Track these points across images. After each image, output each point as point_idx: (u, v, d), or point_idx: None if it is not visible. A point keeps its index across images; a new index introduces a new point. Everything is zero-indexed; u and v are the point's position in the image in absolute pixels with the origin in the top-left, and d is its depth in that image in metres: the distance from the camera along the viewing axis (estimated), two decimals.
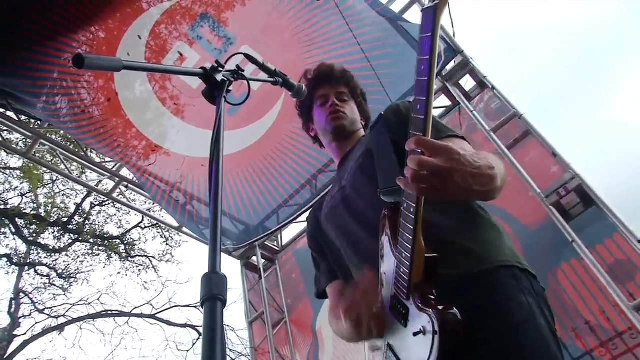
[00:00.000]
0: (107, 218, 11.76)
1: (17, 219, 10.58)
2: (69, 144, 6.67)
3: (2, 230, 10.67)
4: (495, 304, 1.04)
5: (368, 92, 1.76)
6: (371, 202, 1.26)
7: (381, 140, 1.29)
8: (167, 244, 11.98)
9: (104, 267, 11.94)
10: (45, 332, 11.13)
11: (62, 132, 7.08)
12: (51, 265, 11.45)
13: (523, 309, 1.04)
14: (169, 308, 12.01)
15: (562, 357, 1.02)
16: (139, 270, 11.97)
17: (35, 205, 11.07)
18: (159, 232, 11.84)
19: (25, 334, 10.89)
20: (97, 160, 6.08)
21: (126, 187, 5.83)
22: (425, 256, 0.96)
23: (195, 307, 11.74)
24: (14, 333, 10.69)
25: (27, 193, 10.98)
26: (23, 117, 4.74)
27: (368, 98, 1.74)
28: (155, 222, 10.81)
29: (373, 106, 1.75)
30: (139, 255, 12.04)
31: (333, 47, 4.00)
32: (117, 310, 11.84)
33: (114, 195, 5.61)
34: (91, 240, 11.64)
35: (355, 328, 1.13)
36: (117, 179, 5.36)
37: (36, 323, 11.13)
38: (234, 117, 4.33)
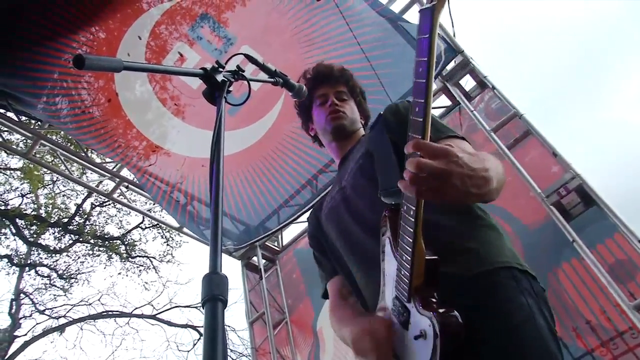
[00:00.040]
0: (108, 219, 11.78)
1: (17, 220, 10.59)
2: (69, 144, 6.69)
3: (3, 231, 10.68)
4: (495, 305, 1.05)
5: (368, 92, 1.76)
6: (371, 203, 1.26)
7: (381, 141, 1.29)
8: (167, 245, 12.00)
9: (105, 268, 11.98)
10: (45, 332, 11.14)
11: (62, 132, 7.09)
12: (52, 266, 11.47)
13: (522, 309, 1.04)
14: (169, 308, 12.03)
15: (562, 357, 1.03)
16: (140, 270, 12.00)
17: (35, 206, 11.08)
18: (159, 233, 11.86)
19: (26, 334, 10.91)
20: (98, 160, 6.09)
21: (127, 187, 5.83)
22: (426, 259, 0.95)
23: (195, 307, 11.75)
24: (15, 334, 10.70)
25: (27, 194, 11.00)
26: (23, 118, 4.74)
27: (368, 98, 1.74)
28: (156, 223, 10.82)
29: (373, 106, 1.75)
30: (140, 256, 12.06)
31: (333, 47, 3.99)
32: (117, 311, 11.85)
33: (115, 195, 5.62)
34: (92, 241, 11.64)
35: None
36: (118, 179, 5.36)
37: (37, 324, 11.15)
38: (234, 118, 4.33)
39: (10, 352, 10.28)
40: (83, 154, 5.43)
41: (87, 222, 11.60)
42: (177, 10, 4.06)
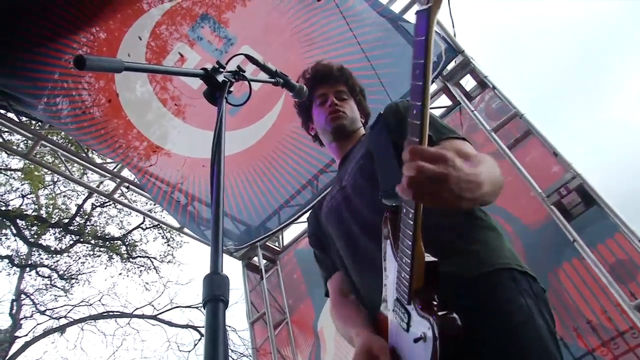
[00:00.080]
0: (108, 219, 11.78)
1: (18, 220, 10.59)
2: (70, 145, 6.69)
3: (4, 231, 10.68)
4: (495, 306, 1.05)
5: (368, 92, 1.75)
6: (371, 204, 1.26)
7: (381, 141, 1.29)
8: (168, 245, 12.00)
9: (105, 268, 11.98)
10: (46, 333, 11.13)
11: (63, 133, 7.08)
12: (52, 267, 11.47)
13: (522, 310, 1.04)
14: (170, 309, 12.01)
15: (561, 357, 1.03)
16: (140, 271, 11.99)
17: (36, 207, 11.08)
18: (160, 233, 11.86)
19: (26, 335, 10.90)
20: (98, 161, 6.09)
21: (127, 188, 5.82)
22: (426, 261, 0.95)
23: (196, 307, 11.74)
24: (16, 334, 10.69)
25: (28, 194, 11.00)
26: (24, 119, 4.74)
27: (368, 98, 1.74)
28: (157, 223, 10.82)
29: (373, 106, 1.74)
30: (140, 256, 12.05)
31: (333, 46, 3.99)
32: (118, 311, 11.84)
33: (115, 196, 5.61)
34: (92, 242, 11.64)
35: None
36: (118, 180, 5.36)
37: (37, 324, 11.14)
38: (235, 118, 4.33)
39: (11, 352, 10.29)
40: (84, 155, 5.43)
41: (88, 223, 11.61)
42: (177, 10, 4.06)
